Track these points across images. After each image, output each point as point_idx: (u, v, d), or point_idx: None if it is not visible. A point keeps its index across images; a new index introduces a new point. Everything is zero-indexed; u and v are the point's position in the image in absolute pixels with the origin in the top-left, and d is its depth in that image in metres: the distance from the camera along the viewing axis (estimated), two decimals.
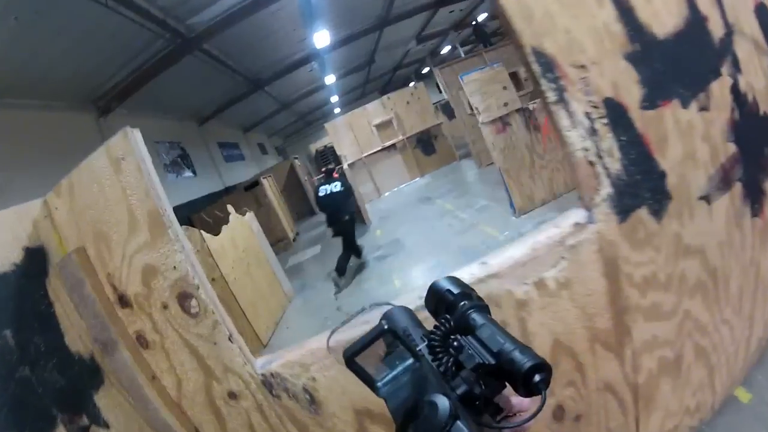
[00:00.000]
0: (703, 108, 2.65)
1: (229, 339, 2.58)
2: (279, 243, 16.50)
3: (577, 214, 2.51)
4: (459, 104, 15.90)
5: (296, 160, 24.86)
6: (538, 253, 2.44)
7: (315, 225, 20.47)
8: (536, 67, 2.44)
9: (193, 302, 2.56)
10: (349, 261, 10.51)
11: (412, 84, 25.48)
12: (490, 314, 1.04)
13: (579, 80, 2.43)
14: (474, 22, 24.01)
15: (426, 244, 10.53)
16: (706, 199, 2.71)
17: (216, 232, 8.74)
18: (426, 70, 37.35)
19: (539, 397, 0.87)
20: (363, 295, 8.97)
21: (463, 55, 20.72)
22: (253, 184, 18.60)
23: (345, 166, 16.69)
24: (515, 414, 0.96)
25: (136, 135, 2.60)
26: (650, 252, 2.58)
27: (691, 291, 2.76)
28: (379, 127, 20.01)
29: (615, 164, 2.45)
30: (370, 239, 13.36)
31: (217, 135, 23.98)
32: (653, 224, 2.56)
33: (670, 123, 2.56)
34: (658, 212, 2.56)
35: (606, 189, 2.45)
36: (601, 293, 2.51)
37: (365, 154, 19.61)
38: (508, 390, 0.91)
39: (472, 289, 1.11)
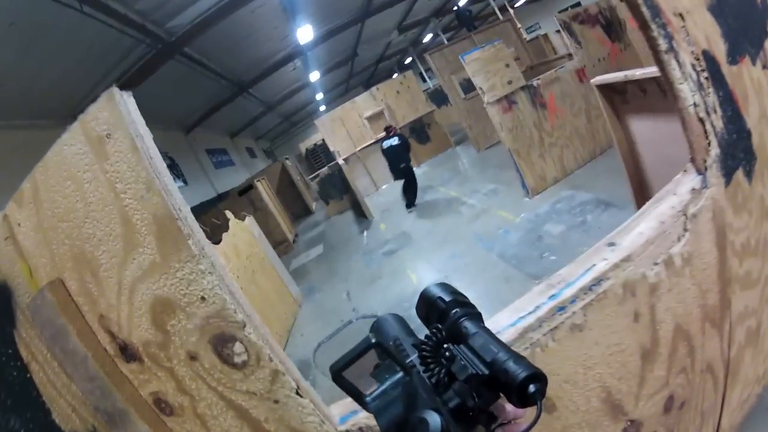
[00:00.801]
0: (765, 66, 2.54)
1: (297, 393, 1.78)
2: (279, 246, 16.07)
3: (691, 179, 2.28)
4: (452, 89, 15.70)
5: (287, 161, 24.51)
6: (665, 227, 2.15)
7: (313, 225, 20.22)
8: (645, 11, 2.17)
9: (237, 347, 1.74)
10: (415, 196, 13.59)
11: (395, 75, 25.31)
12: (482, 322, 1.01)
13: (680, 29, 2.22)
14: (455, 8, 23.70)
15: (437, 234, 10.15)
16: None
17: (216, 240, 8.27)
18: (408, 60, 37.38)
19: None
20: (379, 294, 8.61)
21: (446, 42, 20.51)
22: (247, 188, 18.23)
23: (340, 161, 16.52)
24: (510, 422, 0.94)
25: (128, 100, 1.76)
26: (746, 216, 2.44)
27: None
28: (371, 119, 19.77)
29: (719, 122, 2.27)
30: (375, 234, 13.03)
31: (205, 142, 23.53)
32: (747, 186, 2.42)
33: (747, 80, 2.42)
34: (749, 173, 2.42)
35: (715, 149, 2.26)
36: (713, 266, 2.31)
37: (359, 148, 19.35)
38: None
39: (464, 296, 1.08)
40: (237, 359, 1.75)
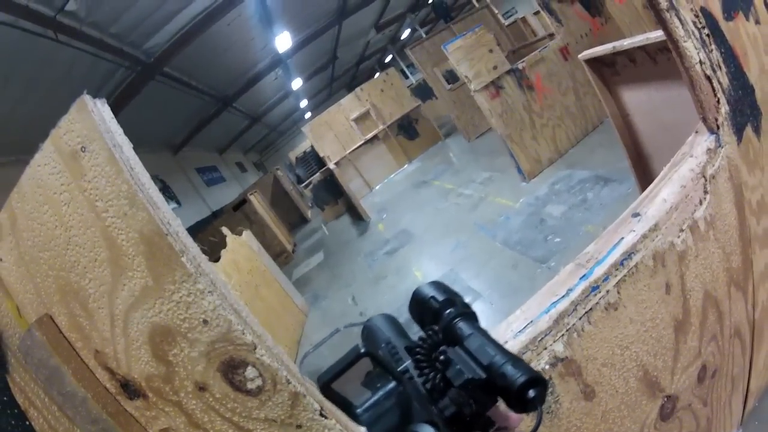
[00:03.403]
0: (757, 21, 2.48)
1: (321, 414, 1.61)
2: (279, 257, 15.98)
3: (705, 139, 2.24)
4: (436, 81, 15.64)
5: (278, 171, 24.44)
6: (687, 191, 2.10)
7: (310, 233, 20.13)
8: None
9: (250, 372, 1.57)
10: None
11: (377, 75, 25.35)
12: (477, 322, 0.99)
13: None
14: (431, 0, 23.70)
15: (437, 228, 10.05)
16: None
17: (215, 258, 8.17)
18: (389, 58, 37.43)
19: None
20: (385, 294, 8.50)
21: (424, 36, 20.53)
22: (241, 203, 18.14)
23: (332, 165, 16.52)
24: (507, 427, 0.92)
25: (102, 108, 1.66)
26: (758, 173, 2.43)
27: None
28: (358, 120, 19.70)
29: (724, 79, 2.22)
30: (374, 235, 12.94)
31: (194, 161, 23.48)
32: (756, 142, 2.40)
33: (744, 36, 2.38)
34: (757, 129, 2.39)
35: (724, 106, 2.21)
36: (734, 227, 2.31)
37: (348, 151, 19.32)
38: None
39: (459, 295, 1.05)
40: (251, 385, 1.59)
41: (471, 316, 0.99)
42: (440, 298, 1.02)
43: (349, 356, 0.89)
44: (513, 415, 0.90)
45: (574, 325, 1.81)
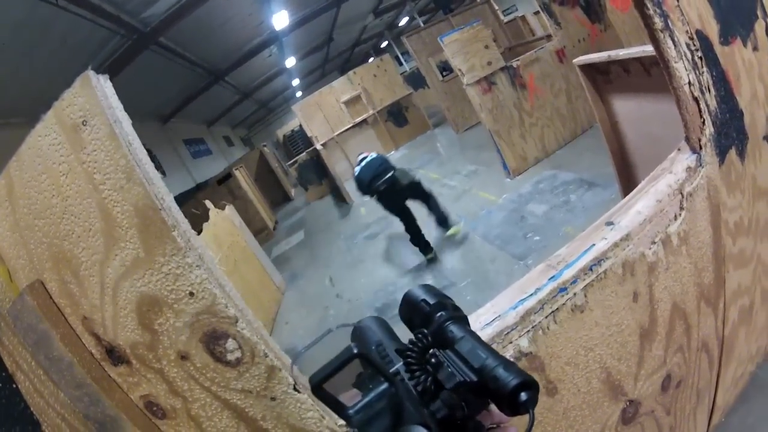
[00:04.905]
0: (755, 48, 2.54)
1: (295, 388, 1.70)
2: (260, 234, 15.97)
3: (686, 158, 2.29)
4: (429, 71, 15.62)
5: (265, 148, 24.34)
6: (663, 205, 2.14)
7: (293, 211, 20.12)
8: None
9: (230, 344, 1.66)
10: None
11: (372, 59, 25.23)
12: (468, 325, 0.98)
13: (675, 8, 2.18)
14: None
15: (419, 216, 9.94)
16: (767, 139, 2.61)
17: (196, 231, 8.15)
18: (384, 44, 37.21)
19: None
20: (362, 278, 8.55)
21: (422, 25, 20.47)
22: (226, 177, 18.10)
23: (318, 146, 16.46)
24: (498, 426, 0.92)
25: (104, 83, 1.65)
26: (738, 195, 2.46)
27: (762, 234, 2.70)
28: (348, 103, 19.66)
29: (712, 101, 2.27)
30: (355, 218, 13.05)
31: (182, 132, 23.28)
32: (739, 166, 2.44)
33: (739, 61, 2.42)
34: (741, 153, 2.45)
35: (709, 128, 2.26)
36: (708, 245, 2.34)
37: (336, 133, 19.25)
38: None
39: (450, 298, 1.04)
40: (230, 357, 1.67)
41: (462, 320, 0.99)
42: (431, 301, 1.01)
43: (341, 357, 0.86)
44: (501, 414, 0.90)
45: (540, 323, 1.87)
